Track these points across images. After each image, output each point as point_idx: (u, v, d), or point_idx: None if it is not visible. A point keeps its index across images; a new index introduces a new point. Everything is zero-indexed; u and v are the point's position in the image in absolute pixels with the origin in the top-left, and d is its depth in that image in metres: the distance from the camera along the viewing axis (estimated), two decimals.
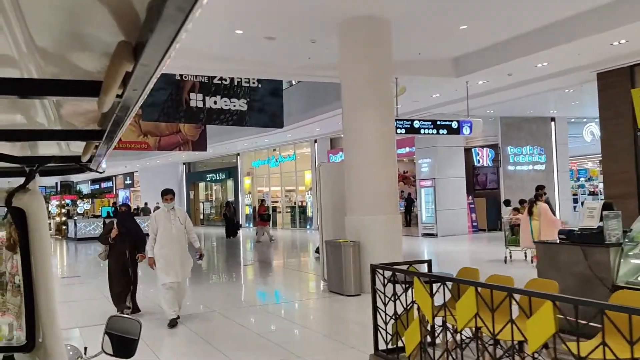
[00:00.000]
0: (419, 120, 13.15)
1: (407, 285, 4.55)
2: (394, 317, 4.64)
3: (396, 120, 12.82)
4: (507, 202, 14.51)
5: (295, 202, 28.96)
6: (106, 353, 2.31)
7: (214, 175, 34.16)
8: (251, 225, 30.37)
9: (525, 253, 11.66)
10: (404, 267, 4.80)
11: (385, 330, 4.68)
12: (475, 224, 19.85)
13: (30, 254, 1.90)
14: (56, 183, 43.28)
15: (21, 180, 1.86)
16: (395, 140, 9.82)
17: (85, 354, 2.58)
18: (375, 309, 4.77)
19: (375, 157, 8.89)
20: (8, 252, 3.47)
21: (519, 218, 11.55)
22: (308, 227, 26.47)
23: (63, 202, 29.85)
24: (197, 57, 11.31)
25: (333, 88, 18.18)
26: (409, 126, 12.98)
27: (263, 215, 21.20)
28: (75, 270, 15.00)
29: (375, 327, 4.79)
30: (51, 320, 1.90)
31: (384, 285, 4.66)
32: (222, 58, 11.74)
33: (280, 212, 29.76)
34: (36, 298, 1.90)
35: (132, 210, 8.03)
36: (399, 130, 12.85)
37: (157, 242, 7.12)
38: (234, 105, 15.57)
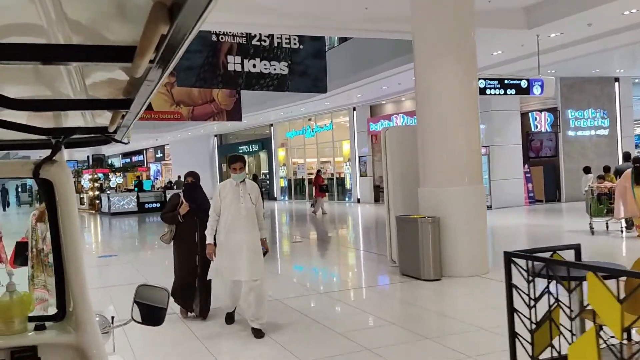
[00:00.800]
0: (484, 80, 11.72)
1: (549, 281, 3.37)
2: (535, 323, 3.45)
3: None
4: (588, 169, 13.08)
5: (332, 174, 27.78)
6: (135, 321, 2.35)
7: (247, 147, 33.15)
8: (286, 198, 29.39)
9: (622, 223, 10.43)
10: (543, 255, 3.60)
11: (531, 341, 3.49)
12: (532, 194, 18.40)
13: (59, 226, 1.96)
14: (88, 157, 42.91)
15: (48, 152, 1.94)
16: (478, 98, 8.50)
17: (112, 323, 2.58)
18: (512, 311, 3.58)
19: (457, 119, 7.59)
20: (45, 226, 3.68)
21: (606, 186, 10.19)
22: (347, 199, 25.32)
23: (95, 176, 29.21)
24: (238, 10, 10.03)
25: (379, 49, 16.75)
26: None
27: (322, 186, 20.02)
28: (111, 247, 14.16)
29: (513, 336, 3.60)
30: (81, 290, 1.96)
31: (529, 282, 3.46)
32: (265, 9, 10.44)
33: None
34: (66, 269, 1.98)
35: (199, 181, 5.94)
36: None
37: (222, 226, 5.43)
38: (274, 69, 14.33)
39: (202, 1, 0.82)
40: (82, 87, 1.66)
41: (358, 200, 24.24)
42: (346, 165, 25.45)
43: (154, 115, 19.65)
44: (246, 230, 5.39)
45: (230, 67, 13.64)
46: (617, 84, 18.75)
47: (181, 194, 6.21)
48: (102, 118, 2.06)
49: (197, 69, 13.41)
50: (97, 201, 27.00)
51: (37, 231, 4.67)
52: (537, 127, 18.39)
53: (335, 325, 5.62)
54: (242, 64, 13.76)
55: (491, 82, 11.65)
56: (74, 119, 2.09)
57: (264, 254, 5.56)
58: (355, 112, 24.22)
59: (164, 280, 5.81)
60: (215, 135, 36.31)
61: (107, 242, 16.04)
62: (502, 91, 11.77)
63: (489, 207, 17.47)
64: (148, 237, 16.96)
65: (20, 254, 4.71)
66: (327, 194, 20.52)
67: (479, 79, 11.72)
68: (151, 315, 2.35)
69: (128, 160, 50.98)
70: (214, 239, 5.51)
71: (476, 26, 11.31)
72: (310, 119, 27.36)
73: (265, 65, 14.04)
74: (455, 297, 6.81)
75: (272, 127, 30.33)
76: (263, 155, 33.12)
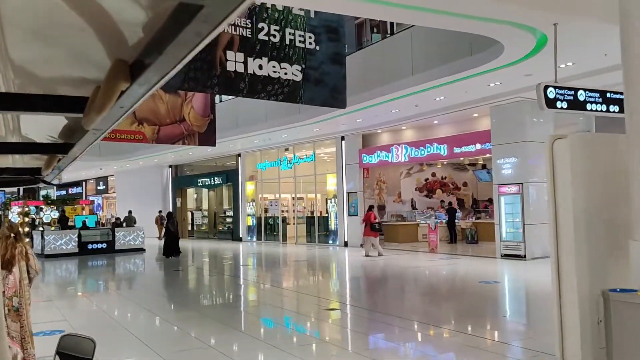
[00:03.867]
0: (584, 91, 8.80)
1: None
2: None
3: (553, 87, 8.51)
4: None
5: (312, 212, 24.36)
6: None
7: (208, 179, 29.27)
8: (254, 239, 25.60)
9: None
10: None
11: None
12: None
13: None
14: (18, 188, 37.55)
15: None
16: None
17: None
18: None
19: None
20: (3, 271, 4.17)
21: None
22: (331, 242, 21.87)
23: (26, 209, 24.47)
24: None
25: (389, 63, 13.69)
26: (571, 98, 8.62)
27: (374, 225, 16.66)
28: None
29: None
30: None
31: None
32: None
33: (291, 224, 25.07)
34: None
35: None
36: (558, 104, 8.49)
37: None
38: (285, 73, 10.93)
39: (170, 63, 0.82)
40: (15, 127, 1.66)
41: (345, 244, 20.87)
42: (331, 202, 22.10)
43: (110, 134, 15.74)
44: None
45: (230, 67, 10.17)
46: None
47: None
48: (35, 159, 2.13)
49: (186, 65, 9.93)
50: (28, 239, 22.26)
51: None
52: None
53: None
54: (245, 63, 10.33)
55: (592, 94, 8.75)
56: (2, 159, 2.10)
57: None
58: (344, 141, 21.08)
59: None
60: (170, 166, 32.21)
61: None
62: (603, 107, 8.91)
63: (522, 257, 14.53)
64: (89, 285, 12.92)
65: None
66: (379, 233, 17.39)
67: (578, 89, 8.81)
68: None
69: (64, 192, 45.64)
70: None
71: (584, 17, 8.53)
72: (287, 149, 24.00)
73: (274, 67, 10.67)
74: None
75: (239, 158, 26.71)
76: (226, 189, 29.32)
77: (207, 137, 17.91)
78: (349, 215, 20.75)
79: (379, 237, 17.47)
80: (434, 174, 23.20)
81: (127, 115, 1.12)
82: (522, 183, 14.76)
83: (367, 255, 16.59)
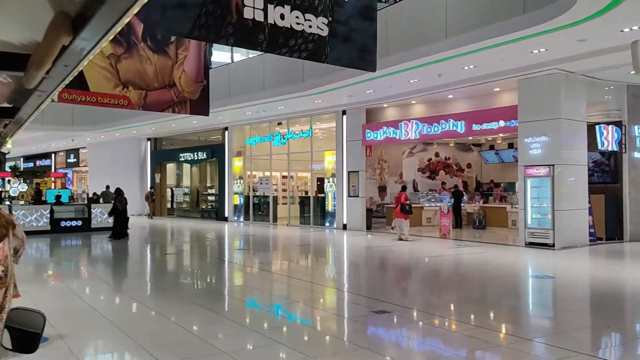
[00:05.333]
0: None
1: None
2: None
3: None
4: None
5: (307, 192, 22.76)
6: (5, 348, 2.21)
7: (191, 154, 27.28)
8: (242, 219, 23.88)
9: None
10: None
11: None
12: (592, 230, 14.38)
13: None
14: None
15: None
16: None
17: None
18: None
19: None
20: None
21: None
22: (328, 224, 20.30)
23: None
24: None
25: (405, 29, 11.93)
26: None
27: (404, 206, 15.17)
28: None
29: None
30: None
31: None
32: None
33: (282, 204, 23.42)
34: None
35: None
36: None
37: None
38: (310, 26, 9.07)
39: (112, 14, 0.78)
40: None
41: (344, 227, 19.34)
42: (328, 182, 20.49)
43: (90, 98, 13.78)
44: None
45: (248, 14, 8.33)
46: None
47: None
48: None
49: (196, 8, 8.08)
50: None
51: None
52: (604, 144, 14.46)
53: None
54: (264, 10, 8.50)
55: None
56: None
57: None
58: (345, 116, 19.41)
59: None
60: (149, 139, 30.07)
61: None
62: None
63: (550, 246, 13.23)
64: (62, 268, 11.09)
65: None
66: (410, 215, 15.65)
67: None
68: (23, 341, 2.19)
69: (31, 164, 42.94)
70: None
71: None
72: (279, 123, 22.22)
73: (297, 17, 8.85)
74: None
75: (226, 132, 24.81)
76: (211, 165, 27.42)
77: (200, 106, 15.96)
78: (349, 196, 19.18)
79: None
80: (437, 154, 21.77)
81: (72, 75, 1.13)
82: (552, 165, 13.37)
83: (400, 239, 15.25)
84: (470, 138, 19.72)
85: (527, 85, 13.73)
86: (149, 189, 27.31)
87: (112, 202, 17.14)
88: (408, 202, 15.33)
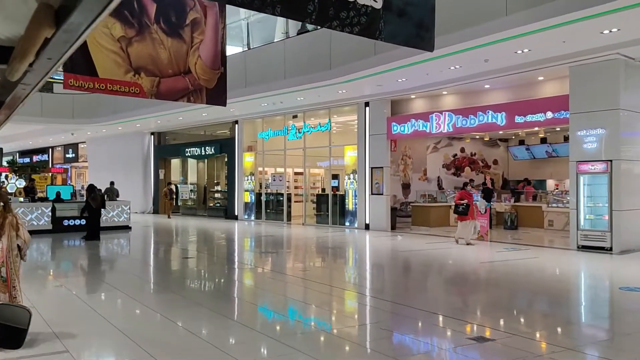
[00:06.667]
0: None
1: None
2: None
3: None
4: None
5: (324, 189, 21.47)
6: None
7: (197, 149, 25.92)
8: (253, 217, 22.57)
9: None
10: None
11: None
12: None
13: None
14: None
15: None
16: None
17: None
18: None
19: None
20: None
21: None
22: (348, 223, 19.01)
23: None
24: None
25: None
26: None
27: (457, 206, 13.71)
28: None
29: None
30: None
31: None
32: None
33: (297, 202, 22.12)
34: None
35: None
36: None
37: None
38: None
39: (94, 7, 0.83)
40: None
41: (366, 227, 18.05)
42: (348, 178, 19.19)
43: (99, 84, 12.45)
44: None
45: None
46: None
47: None
48: None
49: None
50: None
51: None
52: None
53: None
54: None
55: None
56: None
57: None
58: (368, 108, 18.11)
59: None
60: (152, 133, 28.69)
61: None
62: None
63: (608, 250, 11.99)
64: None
65: None
66: (468, 216, 13.59)
67: None
68: (9, 336, 2.19)
69: (27, 159, 41.43)
70: None
71: None
72: (295, 116, 20.90)
73: None
74: None
75: (236, 125, 23.47)
76: (218, 160, 26.10)
77: (217, 95, 14.60)
78: (372, 194, 17.90)
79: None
80: (462, 150, 20.51)
81: (56, 67, 1.10)
82: (610, 160, 12.12)
83: (468, 244, 13.47)
84: (501, 132, 18.44)
85: (581, 73, 12.47)
86: (167, 186, 25.76)
87: (85, 200, 15.77)
88: (463, 201, 13.59)
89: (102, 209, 15.91)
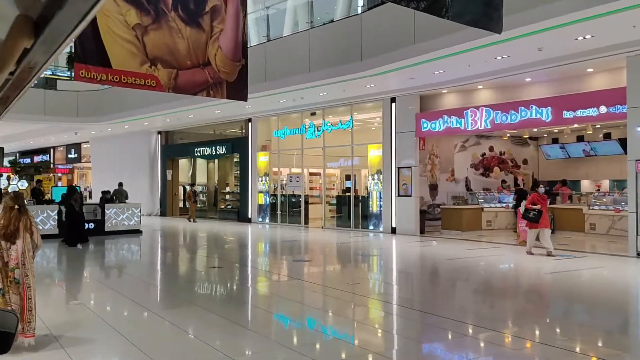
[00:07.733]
0: None
1: None
2: None
3: None
4: None
5: (344, 190, 20.35)
6: None
7: (208, 148, 24.76)
8: (267, 220, 21.43)
9: None
10: None
11: None
12: None
13: None
14: None
15: None
16: None
17: None
18: None
19: None
20: (5, 242, 4.44)
21: None
22: (372, 227, 17.88)
23: None
24: None
25: None
26: None
27: (527, 212, 11.86)
28: None
29: None
30: None
31: None
32: None
33: (316, 204, 20.99)
34: None
35: None
36: None
37: None
38: None
39: (72, 17, 0.81)
40: None
41: (393, 230, 16.92)
42: (372, 178, 18.07)
43: (113, 76, 11.37)
44: None
45: None
46: None
47: None
48: None
49: None
50: None
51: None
52: None
53: None
54: None
55: None
56: None
57: None
58: (394, 104, 16.98)
59: None
60: (159, 132, 27.55)
61: None
62: None
63: None
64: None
65: None
66: (538, 223, 11.68)
67: None
68: None
69: (28, 160, 40.24)
70: None
71: None
72: (313, 113, 19.79)
73: None
74: None
75: (249, 123, 22.33)
76: (229, 161, 24.96)
77: (238, 89, 13.56)
78: (399, 195, 16.77)
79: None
80: (491, 148, 19.38)
81: (38, 76, 1.05)
82: None
83: (549, 254, 11.58)
84: (535, 130, 17.31)
85: None
86: (190, 188, 24.40)
87: (66, 203, 14.68)
88: (536, 207, 11.78)
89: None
